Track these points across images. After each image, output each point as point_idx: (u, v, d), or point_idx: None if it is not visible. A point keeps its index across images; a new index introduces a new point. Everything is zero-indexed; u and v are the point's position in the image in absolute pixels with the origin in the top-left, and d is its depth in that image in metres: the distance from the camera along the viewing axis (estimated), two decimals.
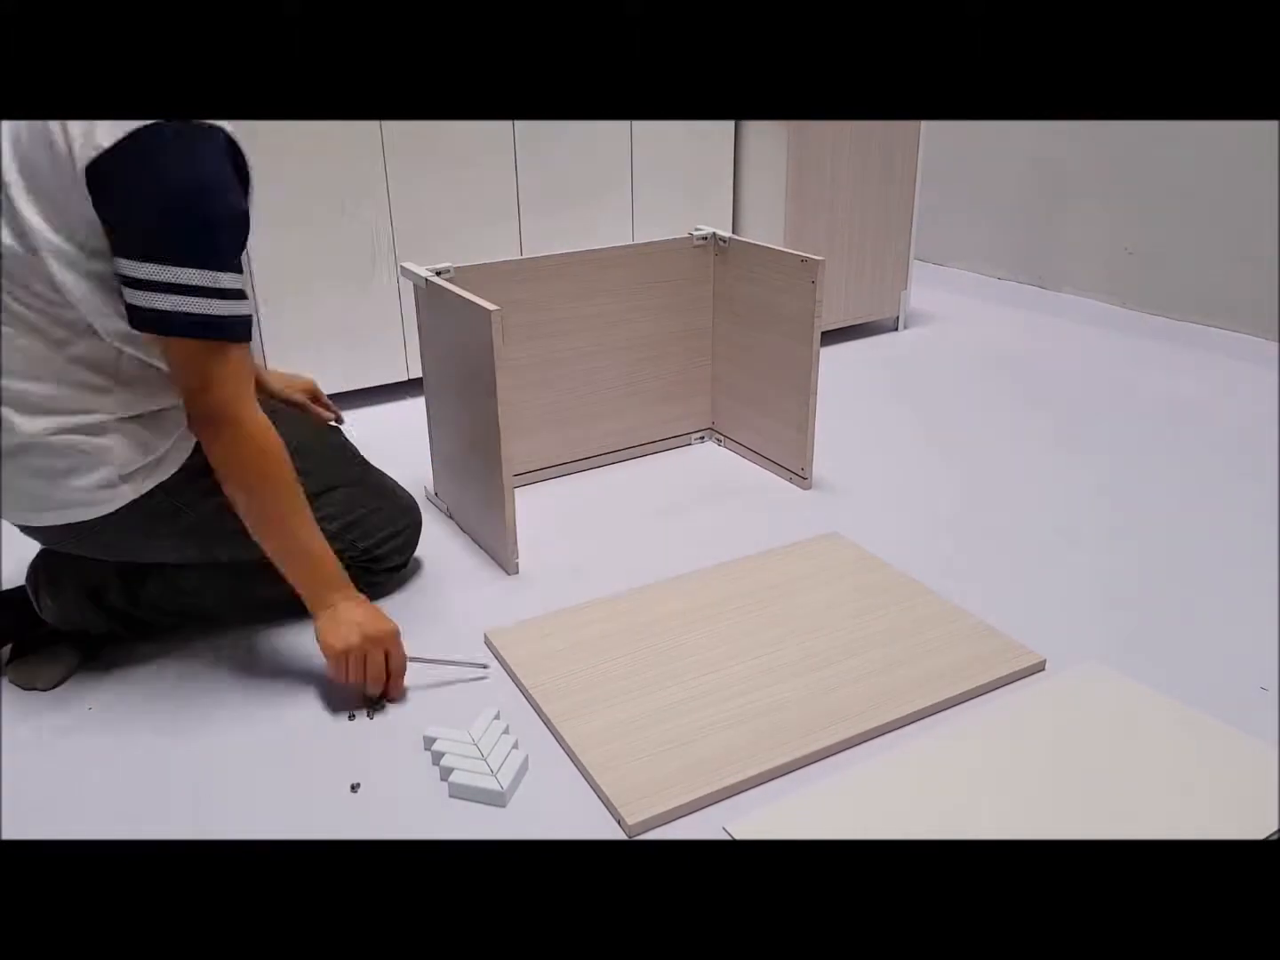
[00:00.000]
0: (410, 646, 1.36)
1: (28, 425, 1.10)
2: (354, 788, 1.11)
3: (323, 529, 1.21)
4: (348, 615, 1.19)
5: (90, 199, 1.02)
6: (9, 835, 1.05)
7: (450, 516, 1.71)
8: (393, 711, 1.23)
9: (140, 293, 1.05)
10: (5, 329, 1.08)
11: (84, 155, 1.00)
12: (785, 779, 1.11)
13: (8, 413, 1.10)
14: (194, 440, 1.19)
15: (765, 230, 2.50)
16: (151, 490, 1.18)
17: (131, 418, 1.15)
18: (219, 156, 1.05)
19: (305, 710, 1.23)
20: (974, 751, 1.14)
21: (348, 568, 1.25)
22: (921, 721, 1.20)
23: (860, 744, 1.16)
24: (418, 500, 1.52)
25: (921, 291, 3.11)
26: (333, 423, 1.52)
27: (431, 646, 1.35)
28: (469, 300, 1.42)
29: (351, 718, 1.21)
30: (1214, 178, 2.62)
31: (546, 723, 1.20)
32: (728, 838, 1.03)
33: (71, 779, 1.13)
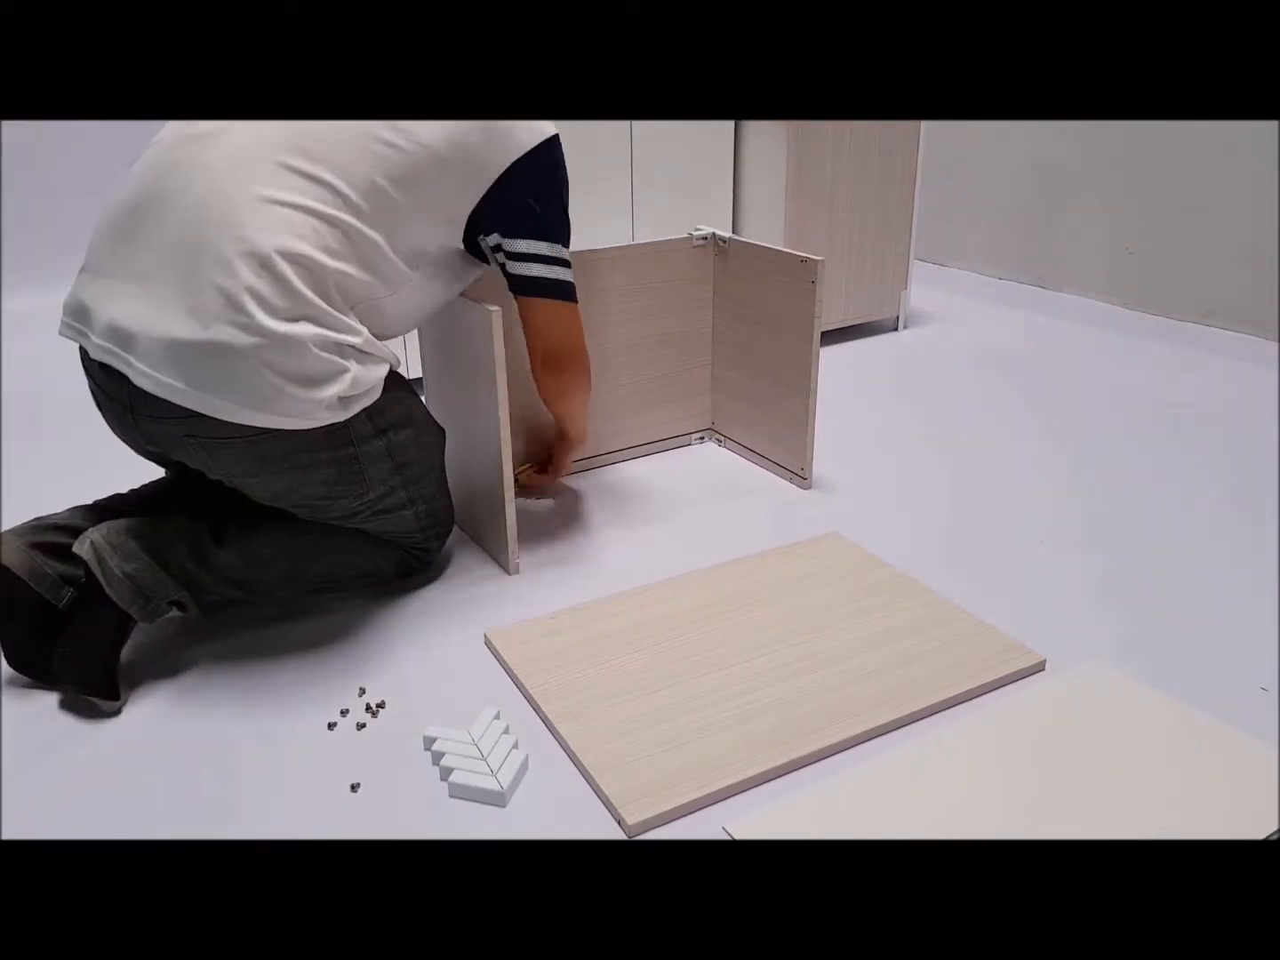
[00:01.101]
0: (410, 647, 1.36)
1: (295, 328, 1.17)
2: (354, 788, 1.11)
3: (410, 510, 1.41)
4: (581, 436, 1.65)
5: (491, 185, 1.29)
6: (9, 835, 1.05)
7: None
8: (392, 710, 1.23)
9: (522, 264, 1.35)
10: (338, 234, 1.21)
11: (513, 151, 1.29)
12: (786, 779, 1.12)
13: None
14: (378, 392, 1.30)
15: (765, 230, 2.50)
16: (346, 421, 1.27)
17: (368, 354, 1.26)
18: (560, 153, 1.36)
19: (305, 710, 1.23)
20: (973, 750, 1.14)
21: (398, 559, 1.46)
22: (922, 721, 1.20)
23: (860, 744, 1.16)
24: None
25: (921, 291, 3.11)
26: None
27: (431, 646, 1.35)
28: (469, 301, 1.42)
29: (331, 727, 1.21)
30: (1214, 178, 2.62)
31: (546, 722, 1.20)
32: (727, 838, 1.03)
33: (71, 778, 1.13)
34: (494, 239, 1.33)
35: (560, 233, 1.38)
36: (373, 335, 1.28)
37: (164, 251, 1.18)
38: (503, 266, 1.37)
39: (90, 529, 1.24)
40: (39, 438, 2.06)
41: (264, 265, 1.15)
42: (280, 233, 1.17)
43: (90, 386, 1.31)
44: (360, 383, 1.25)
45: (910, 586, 1.46)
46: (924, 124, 2.56)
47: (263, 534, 1.35)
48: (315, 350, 1.18)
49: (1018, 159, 3.11)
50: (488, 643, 1.35)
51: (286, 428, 1.21)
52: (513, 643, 1.34)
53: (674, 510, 1.74)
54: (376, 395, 1.30)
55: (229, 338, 1.14)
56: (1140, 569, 1.53)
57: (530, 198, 1.32)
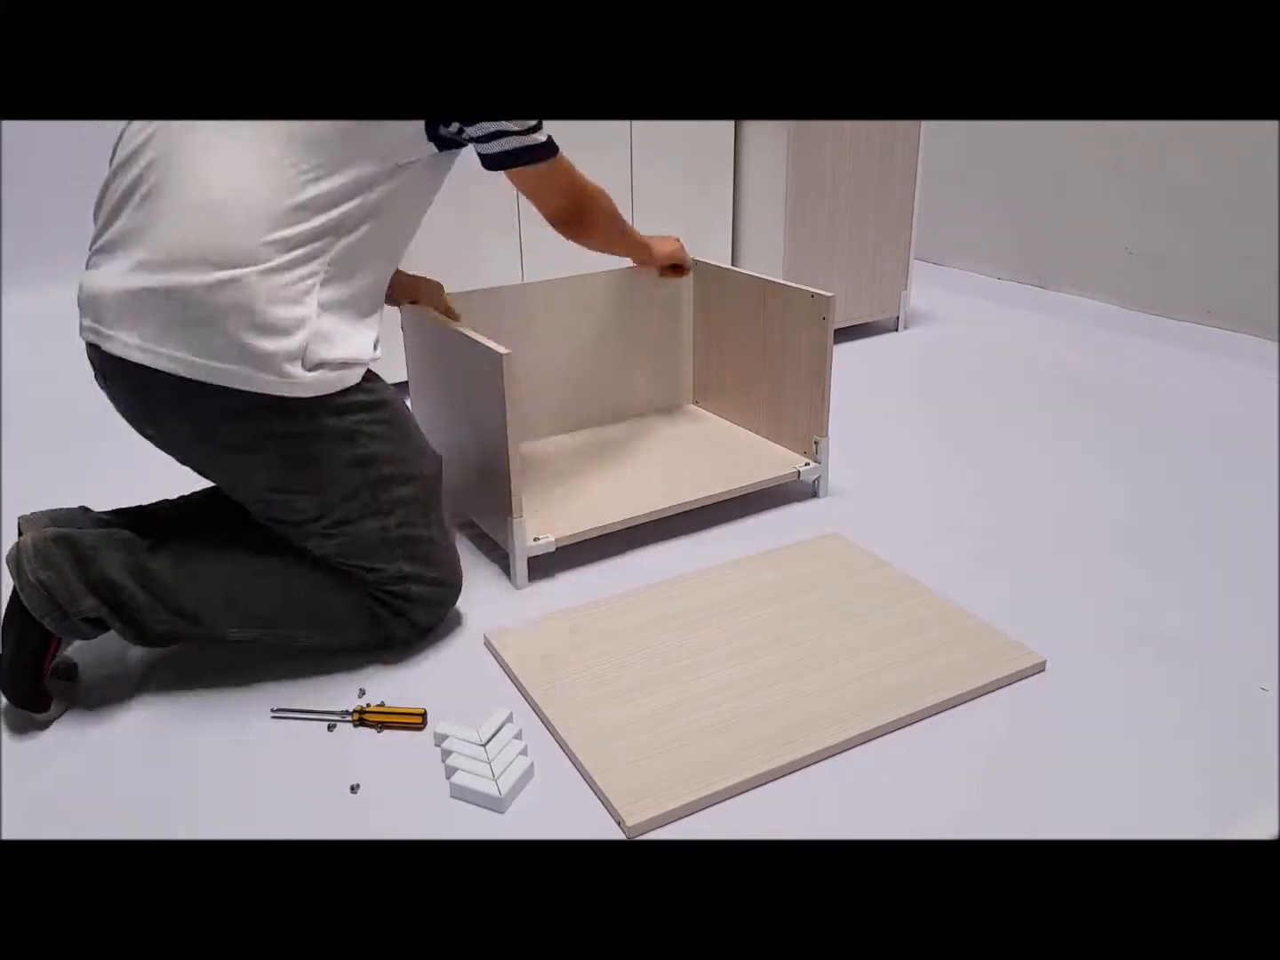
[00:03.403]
0: (410, 647, 1.36)
1: (244, 271, 1.14)
2: (353, 789, 1.11)
3: (377, 522, 1.27)
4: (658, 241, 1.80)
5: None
6: (9, 835, 1.05)
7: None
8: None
9: (487, 144, 1.29)
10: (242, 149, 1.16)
11: None
12: (786, 780, 1.11)
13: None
14: (355, 375, 1.24)
15: (765, 230, 2.50)
16: (319, 398, 1.20)
17: (342, 309, 1.22)
18: None
19: (306, 708, 1.23)
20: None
21: (370, 609, 1.29)
22: (923, 722, 1.20)
23: (860, 744, 1.16)
24: None
25: (922, 291, 3.11)
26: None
27: (432, 647, 1.35)
28: (478, 341, 1.41)
29: (331, 728, 1.21)
30: (1214, 178, 2.62)
31: (546, 723, 1.20)
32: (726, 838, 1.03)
33: (71, 779, 1.13)
34: (454, 126, 1.26)
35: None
36: (353, 286, 1.23)
37: (126, 217, 1.19)
38: (470, 146, 1.33)
39: (26, 534, 1.21)
40: (39, 438, 2.06)
41: (213, 209, 1.14)
42: (232, 174, 1.15)
43: (108, 396, 1.28)
44: (330, 341, 1.19)
45: (910, 586, 1.46)
46: (924, 124, 2.56)
47: (208, 555, 1.27)
48: (269, 296, 1.15)
49: (1018, 159, 3.11)
50: (488, 644, 1.35)
51: (238, 387, 1.15)
52: (512, 643, 1.34)
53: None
54: (354, 377, 1.23)
55: (176, 283, 1.13)
56: (1140, 569, 1.53)
57: None
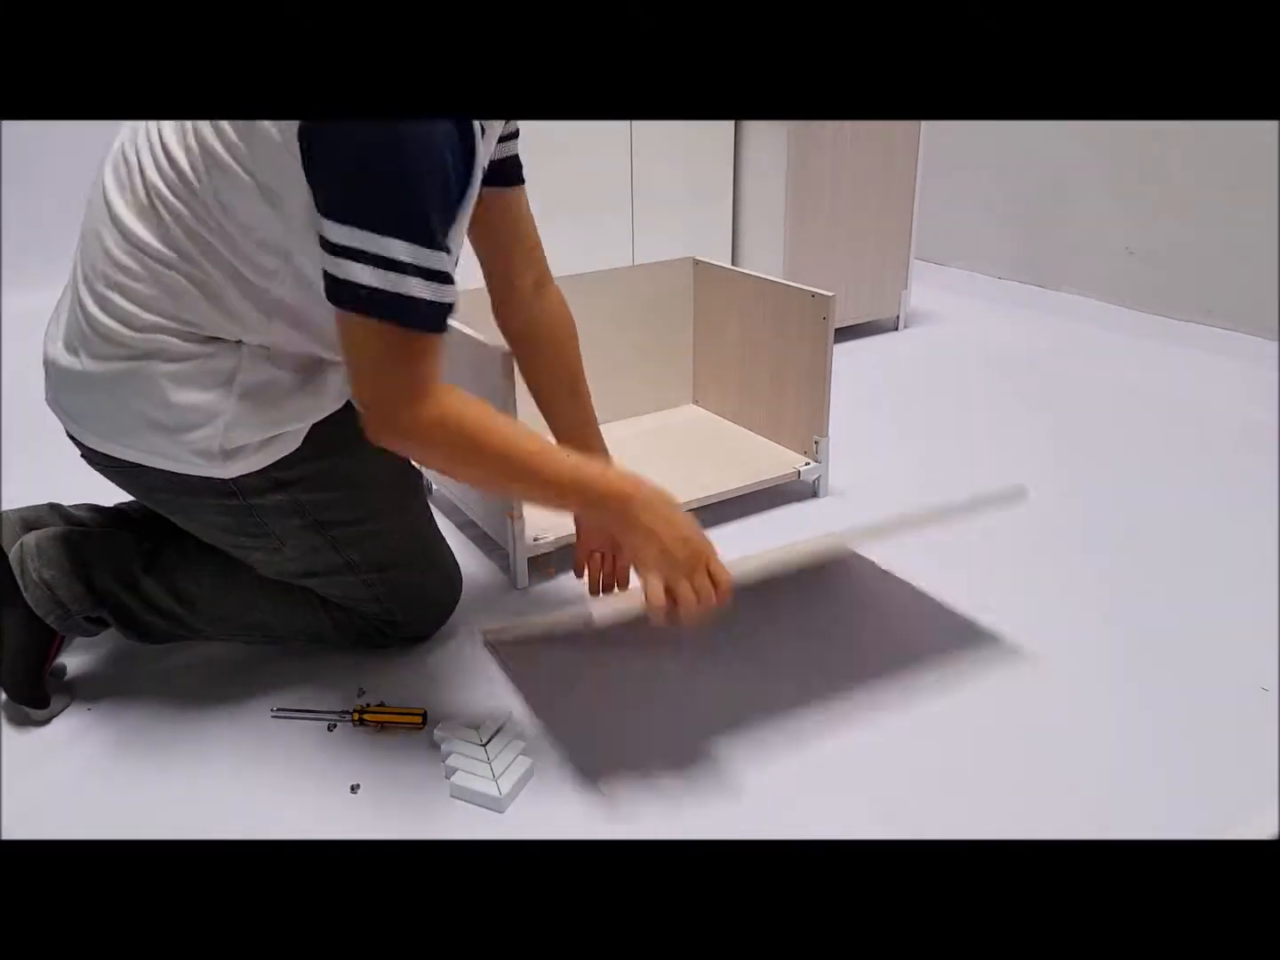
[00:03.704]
0: (411, 647, 1.35)
1: (142, 364, 1.06)
2: (354, 789, 1.11)
3: (349, 575, 1.22)
4: (670, 513, 1.03)
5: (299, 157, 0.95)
6: (9, 835, 1.05)
7: (446, 514, 1.71)
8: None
9: (337, 260, 0.94)
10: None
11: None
12: (767, 769, 1.12)
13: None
14: (293, 442, 1.13)
15: (765, 230, 2.50)
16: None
17: (263, 392, 1.09)
18: (446, 138, 0.97)
19: (306, 708, 1.23)
20: None
21: (358, 627, 1.28)
22: (915, 719, 1.20)
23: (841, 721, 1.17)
24: None
25: (922, 291, 3.11)
26: None
27: (432, 647, 1.35)
28: (480, 339, 1.41)
29: (331, 728, 1.21)
30: (1214, 178, 2.62)
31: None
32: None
33: (71, 779, 1.13)
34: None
35: (404, 221, 0.94)
36: (289, 350, 1.10)
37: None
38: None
39: (29, 532, 1.21)
40: (40, 438, 2.05)
41: (102, 295, 1.07)
42: (115, 254, 1.06)
43: None
44: (245, 429, 1.09)
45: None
46: (924, 124, 2.56)
47: (196, 570, 1.24)
48: (172, 384, 1.06)
49: (1018, 159, 3.11)
50: (485, 641, 1.35)
51: (149, 465, 1.11)
52: (509, 639, 1.34)
53: None
54: (289, 446, 1.13)
55: (84, 366, 1.09)
56: (1140, 569, 1.53)
57: (351, 160, 0.93)
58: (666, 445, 1.84)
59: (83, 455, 1.19)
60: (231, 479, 1.11)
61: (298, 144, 0.95)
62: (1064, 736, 1.17)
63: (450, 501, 1.73)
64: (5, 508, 1.27)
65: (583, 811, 1.07)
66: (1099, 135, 2.86)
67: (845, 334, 2.68)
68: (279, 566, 1.22)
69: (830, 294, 1.64)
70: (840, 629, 1.36)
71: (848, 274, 2.58)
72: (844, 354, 2.56)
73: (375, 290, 0.94)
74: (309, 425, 1.14)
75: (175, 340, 1.06)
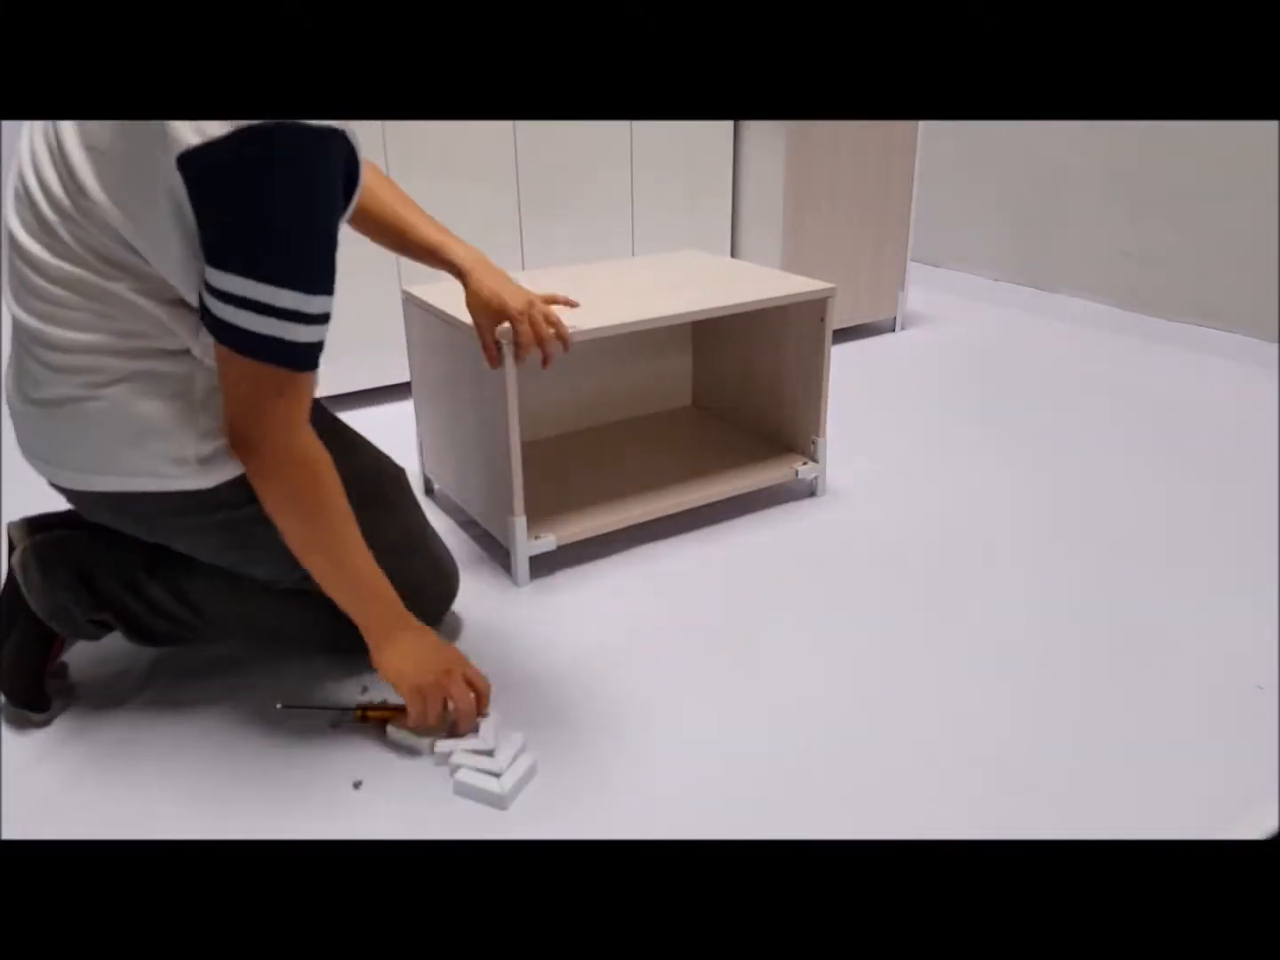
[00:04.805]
0: None
1: (115, 388, 1.03)
2: (356, 785, 1.11)
3: None
4: (415, 647, 1.15)
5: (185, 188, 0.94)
6: (9, 835, 1.05)
7: (448, 513, 1.71)
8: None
9: (224, 305, 0.96)
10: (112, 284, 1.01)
11: (185, 140, 0.92)
12: (791, 767, 1.12)
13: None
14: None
15: (763, 231, 2.50)
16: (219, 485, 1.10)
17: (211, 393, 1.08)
18: (333, 169, 0.98)
19: (309, 709, 1.23)
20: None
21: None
22: (914, 720, 1.20)
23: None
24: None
25: (919, 293, 3.12)
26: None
27: None
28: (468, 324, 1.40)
29: (334, 725, 1.21)
30: (1214, 178, 2.63)
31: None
32: None
33: (72, 778, 1.13)
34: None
35: (293, 271, 0.97)
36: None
37: None
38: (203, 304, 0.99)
39: (32, 537, 1.20)
40: None
41: (36, 330, 1.04)
42: (33, 282, 1.03)
43: None
44: (215, 435, 1.07)
45: None
46: (921, 125, 2.57)
47: (201, 573, 1.22)
48: (131, 397, 1.04)
49: (1015, 160, 3.12)
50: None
51: (133, 490, 1.08)
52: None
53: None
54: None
55: (42, 402, 1.06)
56: (1140, 569, 1.53)
57: (241, 209, 0.94)
58: (666, 445, 1.84)
59: (70, 502, 1.16)
60: (210, 489, 1.09)
61: (178, 175, 0.93)
62: (1063, 736, 1.18)
63: (451, 500, 1.73)
64: (6, 513, 1.27)
65: (586, 810, 1.07)
66: (1096, 137, 2.87)
67: (843, 336, 2.69)
68: (278, 575, 1.21)
69: (830, 286, 1.64)
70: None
71: (845, 275, 2.59)
72: (841, 355, 2.56)
73: (261, 336, 0.97)
74: None
75: (121, 358, 1.04)
